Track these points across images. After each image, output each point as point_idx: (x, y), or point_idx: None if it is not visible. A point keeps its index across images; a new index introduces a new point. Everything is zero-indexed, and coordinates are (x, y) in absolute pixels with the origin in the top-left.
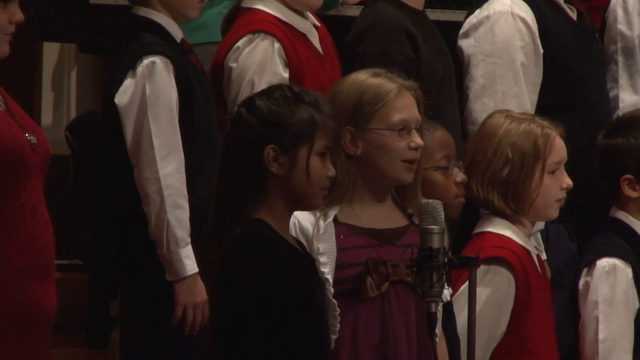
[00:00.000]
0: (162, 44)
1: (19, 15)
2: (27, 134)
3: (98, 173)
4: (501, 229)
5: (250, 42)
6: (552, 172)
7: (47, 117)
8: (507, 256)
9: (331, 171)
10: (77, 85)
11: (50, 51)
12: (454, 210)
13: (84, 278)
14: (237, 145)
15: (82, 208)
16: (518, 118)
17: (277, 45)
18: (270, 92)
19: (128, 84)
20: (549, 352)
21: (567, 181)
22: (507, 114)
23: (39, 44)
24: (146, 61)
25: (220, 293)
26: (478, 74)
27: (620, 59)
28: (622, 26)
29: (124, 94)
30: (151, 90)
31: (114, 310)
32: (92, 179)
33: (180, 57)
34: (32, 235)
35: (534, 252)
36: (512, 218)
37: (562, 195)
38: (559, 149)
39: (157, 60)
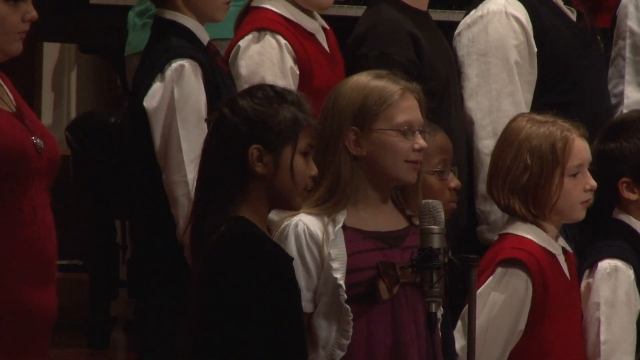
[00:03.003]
0: (190, 47)
1: (33, 14)
2: (33, 137)
3: (98, 173)
4: (522, 231)
5: (255, 40)
6: (574, 175)
7: (47, 117)
8: (523, 257)
9: (314, 170)
10: (77, 85)
11: (50, 51)
12: (445, 215)
13: (84, 278)
14: (220, 145)
15: (82, 208)
16: (539, 121)
17: (283, 41)
18: (252, 91)
19: (157, 87)
20: (569, 355)
21: (591, 182)
22: (529, 117)
23: (39, 44)
24: (175, 65)
25: (207, 291)
26: (472, 73)
27: (628, 55)
28: (632, 22)
29: (153, 98)
30: (180, 93)
31: (114, 310)
32: (92, 179)
33: (208, 60)
34: (30, 238)
35: (559, 254)
36: (535, 221)
37: (587, 196)
38: (579, 152)
39: (186, 63)
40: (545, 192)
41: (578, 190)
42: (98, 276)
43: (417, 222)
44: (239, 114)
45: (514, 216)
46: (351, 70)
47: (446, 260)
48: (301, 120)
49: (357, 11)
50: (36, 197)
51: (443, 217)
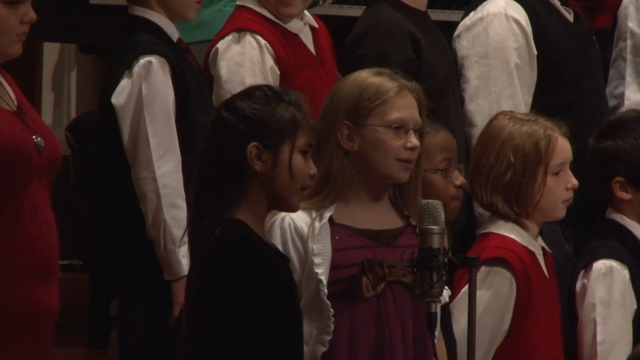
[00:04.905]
0: (159, 43)
1: (31, 15)
2: (34, 136)
3: (98, 173)
4: (504, 230)
5: (235, 40)
6: (556, 174)
7: (47, 117)
8: (508, 257)
9: (313, 169)
10: (77, 85)
11: (50, 51)
12: (451, 213)
13: (84, 278)
14: (218, 145)
15: (82, 208)
16: (521, 120)
17: (263, 41)
18: (250, 92)
19: (125, 83)
20: (552, 354)
21: (573, 181)
22: (511, 115)
23: (39, 44)
24: (142, 61)
25: (202, 294)
26: (472, 76)
27: (628, 56)
28: (632, 24)
29: (121, 94)
30: (148, 90)
31: (114, 310)
32: (92, 179)
33: (177, 56)
34: (31, 236)
35: (539, 254)
36: (517, 220)
37: (568, 195)
38: (562, 150)
39: (154, 60)
40: (528, 191)
41: (560, 188)
42: (98, 276)
43: (414, 221)
44: (236, 113)
45: (496, 214)
46: (350, 70)
47: (446, 260)
48: (299, 119)
49: (356, 11)
50: (37, 195)
51: (443, 217)
